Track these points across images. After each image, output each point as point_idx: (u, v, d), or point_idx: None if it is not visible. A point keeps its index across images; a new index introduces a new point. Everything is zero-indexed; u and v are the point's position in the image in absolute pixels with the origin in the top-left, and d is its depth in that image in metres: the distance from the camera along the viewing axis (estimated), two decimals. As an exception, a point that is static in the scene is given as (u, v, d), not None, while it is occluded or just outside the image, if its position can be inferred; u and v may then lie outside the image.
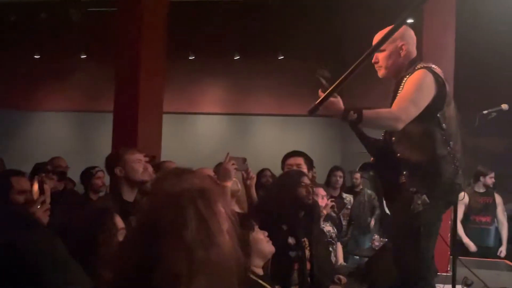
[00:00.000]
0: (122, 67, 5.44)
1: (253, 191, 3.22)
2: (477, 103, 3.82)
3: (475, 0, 6.41)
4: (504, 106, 3.59)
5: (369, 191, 6.74)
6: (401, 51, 2.65)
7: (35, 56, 9.57)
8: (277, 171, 7.11)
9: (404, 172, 2.53)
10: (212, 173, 3.22)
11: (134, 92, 5.24)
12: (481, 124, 3.48)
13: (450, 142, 2.54)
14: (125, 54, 5.42)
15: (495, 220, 5.91)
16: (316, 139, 9.40)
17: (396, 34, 2.56)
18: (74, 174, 8.65)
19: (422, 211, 2.45)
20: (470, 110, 3.29)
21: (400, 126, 2.43)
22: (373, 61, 2.69)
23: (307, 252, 2.90)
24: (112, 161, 3.08)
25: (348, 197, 5.94)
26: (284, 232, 2.79)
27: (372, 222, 6.49)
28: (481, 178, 5.88)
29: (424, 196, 2.45)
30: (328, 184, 5.79)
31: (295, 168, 3.44)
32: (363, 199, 6.69)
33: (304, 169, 3.46)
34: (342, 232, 5.18)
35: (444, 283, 3.12)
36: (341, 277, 3.48)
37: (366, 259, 5.33)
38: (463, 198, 4.14)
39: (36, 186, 2.58)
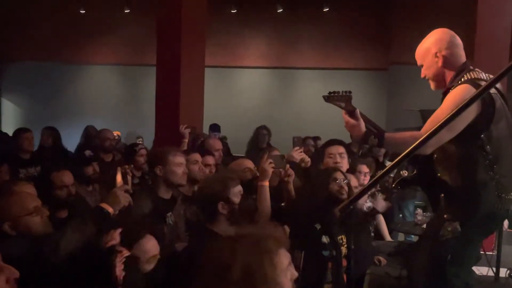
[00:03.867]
0: (164, 21, 5.43)
1: (291, 187, 3.07)
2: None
3: None
4: None
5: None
6: (437, 59, 2.34)
7: (81, 11, 9.69)
8: (321, 128, 7.08)
9: (442, 195, 2.30)
10: (251, 165, 3.18)
11: (176, 46, 5.24)
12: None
13: (495, 166, 2.22)
14: (167, 8, 5.39)
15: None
16: (361, 93, 9.16)
17: (429, 41, 2.35)
18: (121, 126, 8.90)
19: (451, 239, 2.23)
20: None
21: (428, 151, 2.18)
22: (421, 76, 2.45)
23: (344, 250, 2.80)
24: (155, 159, 3.09)
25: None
26: (317, 232, 2.68)
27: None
28: None
29: (456, 224, 2.23)
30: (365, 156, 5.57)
31: (337, 157, 3.30)
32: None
33: (345, 158, 3.34)
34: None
35: (489, 265, 2.92)
36: (381, 258, 3.37)
37: (408, 237, 5.15)
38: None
39: (119, 177, 2.80)
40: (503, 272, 3.09)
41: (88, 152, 3.86)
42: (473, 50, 5.27)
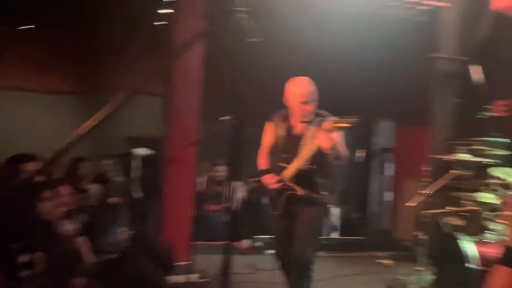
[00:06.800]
0: None
1: None
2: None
3: None
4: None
5: (120, 179, 6.39)
6: None
7: None
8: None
9: None
10: None
11: None
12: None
13: None
14: None
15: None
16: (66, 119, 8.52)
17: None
18: None
19: None
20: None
21: None
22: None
23: (39, 268, 2.69)
24: None
25: (95, 188, 5.51)
26: (14, 251, 2.56)
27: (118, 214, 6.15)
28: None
29: None
30: (70, 176, 5.24)
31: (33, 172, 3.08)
32: (113, 187, 6.31)
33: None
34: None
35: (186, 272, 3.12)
36: (81, 280, 3.33)
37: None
38: None
39: None
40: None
41: None
42: (170, 83, 5.51)
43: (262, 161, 3.71)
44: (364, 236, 6.65)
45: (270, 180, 3.53)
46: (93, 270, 3.67)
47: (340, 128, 3.15)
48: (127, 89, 2.46)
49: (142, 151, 7.84)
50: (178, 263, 4.19)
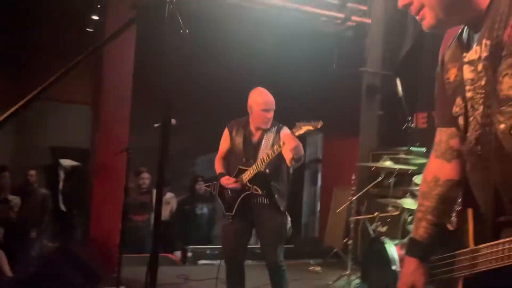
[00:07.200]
0: None
1: None
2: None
3: None
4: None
5: (43, 190, 6.10)
6: None
7: None
8: None
9: None
10: None
11: None
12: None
13: None
14: None
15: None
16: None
17: None
18: None
19: None
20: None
21: None
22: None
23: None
24: None
25: (16, 199, 5.22)
26: None
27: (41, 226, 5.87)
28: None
29: None
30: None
31: None
32: (35, 199, 6.01)
33: None
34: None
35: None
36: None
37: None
38: None
39: None
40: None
41: None
42: (100, 97, 5.41)
43: (219, 165, 3.88)
44: (296, 245, 6.75)
45: (227, 182, 3.70)
46: (10, 285, 3.42)
47: (304, 132, 3.37)
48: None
49: (67, 162, 7.55)
50: (106, 275, 4.04)
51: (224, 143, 3.86)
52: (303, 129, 3.36)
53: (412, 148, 5.53)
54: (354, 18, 6.83)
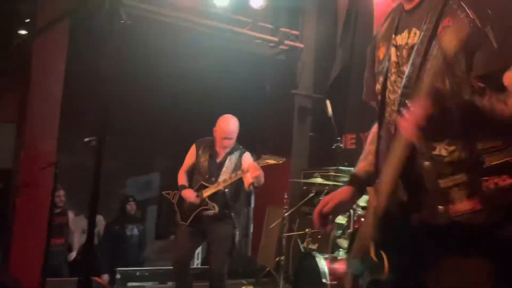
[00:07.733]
0: None
1: None
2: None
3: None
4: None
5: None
6: None
7: None
8: None
9: None
10: None
11: None
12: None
13: None
14: None
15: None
16: None
17: None
18: None
19: None
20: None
21: None
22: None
23: None
24: None
25: None
26: None
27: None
28: None
29: None
30: None
31: None
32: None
33: None
34: None
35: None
36: None
37: None
38: None
39: None
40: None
41: None
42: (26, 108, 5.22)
43: (182, 177, 4.22)
44: (229, 265, 6.70)
45: (188, 195, 4.06)
46: None
47: (267, 164, 3.86)
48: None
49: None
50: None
51: (190, 158, 4.23)
52: (267, 162, 3.86)
53: (341, 168, 5.72)
54: (287, 42, 7.05)
